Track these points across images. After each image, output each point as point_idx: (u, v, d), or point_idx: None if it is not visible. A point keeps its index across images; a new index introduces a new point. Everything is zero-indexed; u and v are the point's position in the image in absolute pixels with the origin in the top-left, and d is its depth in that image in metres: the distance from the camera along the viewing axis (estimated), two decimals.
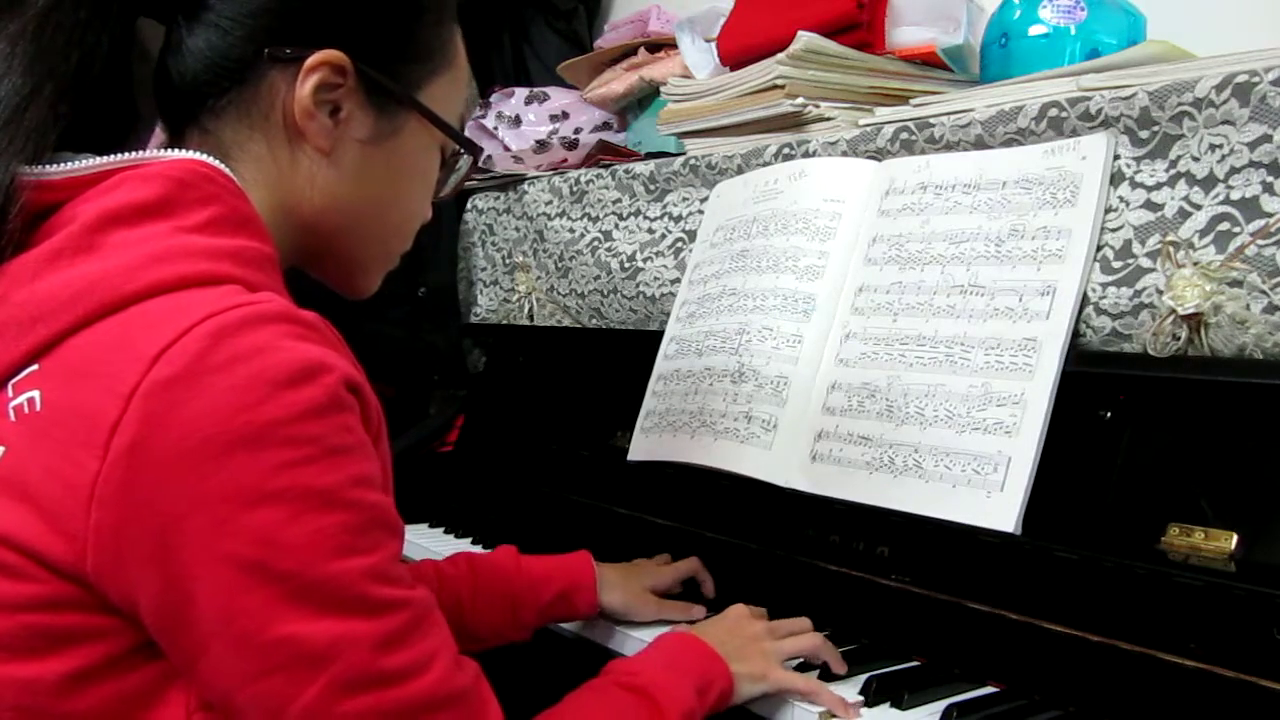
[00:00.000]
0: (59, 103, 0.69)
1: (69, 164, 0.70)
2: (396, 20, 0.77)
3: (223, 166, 0.72)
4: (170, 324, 0.62)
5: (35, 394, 0.64)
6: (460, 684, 0.68)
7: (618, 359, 1.50)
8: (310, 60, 0.73)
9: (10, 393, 0.65)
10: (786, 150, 1.32)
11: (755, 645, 0.95)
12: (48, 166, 0.69)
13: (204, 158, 0.72)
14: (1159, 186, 0.97)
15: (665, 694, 0.83)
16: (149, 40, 0.77)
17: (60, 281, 0.65)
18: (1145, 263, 0.97)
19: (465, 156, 0.85)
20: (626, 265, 1.53)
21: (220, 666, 0.63)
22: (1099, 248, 1.00)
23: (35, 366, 0.65)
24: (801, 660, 0.98)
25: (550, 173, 1.74)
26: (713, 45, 1.50)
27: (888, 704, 0.91)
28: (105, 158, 0.70)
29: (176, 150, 0.72)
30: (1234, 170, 0.92)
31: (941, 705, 0.89)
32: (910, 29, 1.37)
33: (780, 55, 1.31)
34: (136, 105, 0.76)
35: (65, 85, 0.70)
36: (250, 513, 0.61)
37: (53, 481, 0.62)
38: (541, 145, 1.82)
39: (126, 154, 0.71)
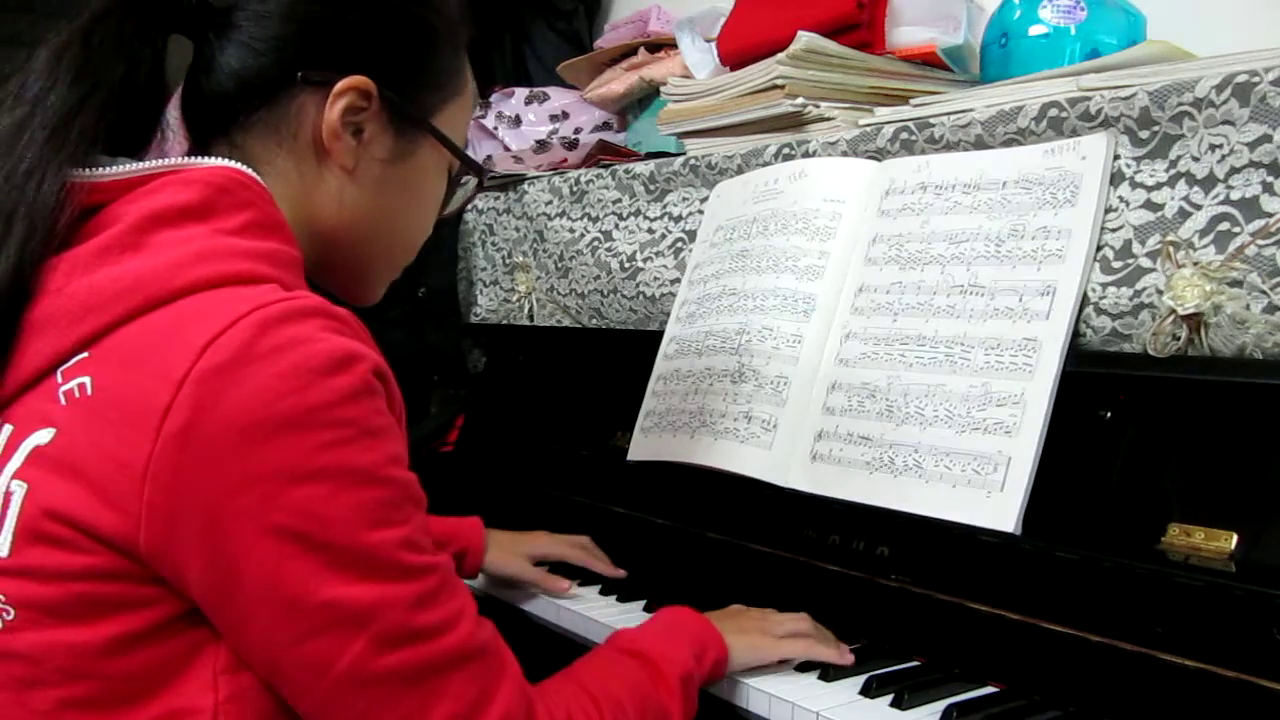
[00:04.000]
0: (106, 112, 0.74)
1: (113, 168, 0.74)
2: (416, 49, 0.83)
3: (256, 175, 0.77)
4: (218, 316, 0.67)
5: (86, 379, 0.68)
6: (482, 639, 0.73)
7: (618, 359, 1.50)
8: (339, 85, 0.78)
9: (60, 379, 0.69)
10: (786, 150, 1.32)
11: (752, 622, 1.02)
12: (95, 170, 0.74)
13: (240, 166, 0.76)
14: (1159, 186, 0.97)
15: (664, 657, 0.89)
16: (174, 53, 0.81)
17: (110, 276, 0.70)
18: (1145, 263, 0.97)
19: (471, 177, 0.91)
20: (626, 265, 1.53)
21: (268, 631, 0.67)
22: (1099, 248, 1.00)
23: (85, 354, 0.69)
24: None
25: (550, 173, 1.74)
26: (713, 45, 1.50)
27: (888, 704, 0.91)
28: (147, 163, 0.75)
29: (214, 158, 0.76)
30: (1234, 170, 0.92)
31: (941, 705, 0.89)
32: (910, 29, 1.37)
33: (780, 55, 1.31)
34: (163, 113, 0.81)
35: (111, 95, 0.75)
36: (296, 488, 0.65)
37: (105, 461, 0.66)
38: (541, 145, 1.82)
39: (167, 160, 0.75)
